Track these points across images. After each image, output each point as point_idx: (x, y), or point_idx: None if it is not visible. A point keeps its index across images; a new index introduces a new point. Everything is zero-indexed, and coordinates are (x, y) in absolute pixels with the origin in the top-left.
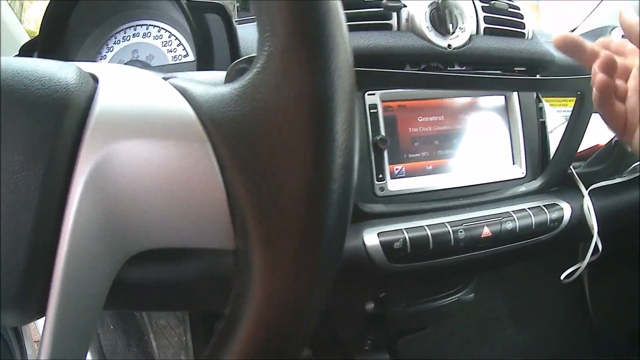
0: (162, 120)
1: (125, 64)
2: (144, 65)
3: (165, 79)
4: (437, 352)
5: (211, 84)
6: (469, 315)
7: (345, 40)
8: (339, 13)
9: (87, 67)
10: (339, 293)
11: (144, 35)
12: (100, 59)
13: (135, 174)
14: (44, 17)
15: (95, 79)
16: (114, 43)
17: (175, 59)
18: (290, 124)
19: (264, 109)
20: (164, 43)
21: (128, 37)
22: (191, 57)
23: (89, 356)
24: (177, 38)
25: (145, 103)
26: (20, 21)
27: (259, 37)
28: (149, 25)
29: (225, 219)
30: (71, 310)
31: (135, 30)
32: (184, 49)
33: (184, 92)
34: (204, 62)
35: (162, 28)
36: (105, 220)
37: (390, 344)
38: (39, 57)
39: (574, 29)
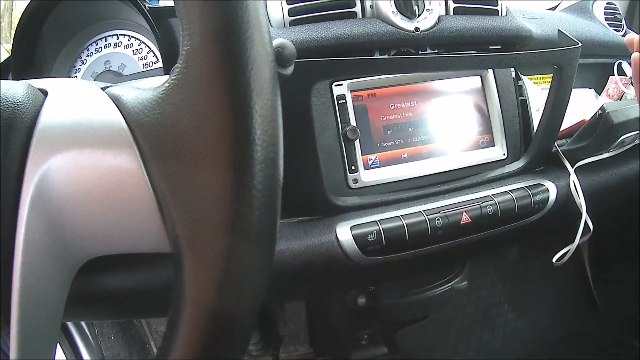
0: (94, 130)
1: (98, 75)
2: (116, 74)
3: (103, 88)
4: (438, 341)
5: (144, 89)
6: (469, 303)
7: (263, 31)
8: (255, 5)
9: (38, 82)
10: (323, 289)
11: (115, 45)
12: (75, 73)
13: (74, 185)
14: (14, 38)
15: (45, 93)
16: (87, 56)
17: (146, 66)
18: (207, 121)
19: (184, 109)
20: (135, 51)
21: (100, 49)
22: (161, 63)
23: None
24: (147, 45)
25: (81, 114)
26: (10, 21)
27: (181, 37)
28: (119, 34)
29: (157, 222)
30: (33, 320)
31: (106, 41)
32: (154, 55)
33: (117, 100)
34: (171, 66)
35: (131, 37)
36: (52, 232)
37: (388, 337)
38: (13, 78)
39: (557, 5)
